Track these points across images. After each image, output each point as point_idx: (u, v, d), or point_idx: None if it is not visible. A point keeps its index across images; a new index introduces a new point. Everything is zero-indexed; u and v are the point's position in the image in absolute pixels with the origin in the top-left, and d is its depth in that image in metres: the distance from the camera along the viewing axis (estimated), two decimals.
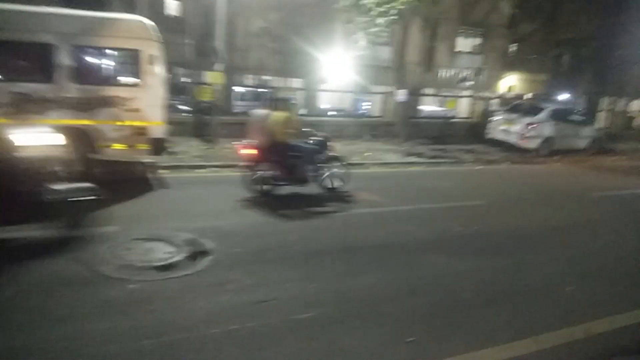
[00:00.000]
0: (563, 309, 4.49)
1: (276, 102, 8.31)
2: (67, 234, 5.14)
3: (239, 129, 13.29)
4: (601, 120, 20.51)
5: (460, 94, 18.59)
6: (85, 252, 4.85)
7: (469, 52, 21.73)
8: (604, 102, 20.86)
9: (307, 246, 5.64)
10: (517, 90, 21.46)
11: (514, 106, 15.86)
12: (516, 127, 14.37)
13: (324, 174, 8.17)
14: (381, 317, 4.09)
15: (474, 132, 16.88)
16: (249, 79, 17.50)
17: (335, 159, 8.54)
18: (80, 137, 7.34)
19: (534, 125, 14.05)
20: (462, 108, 19.38)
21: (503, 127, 14.94)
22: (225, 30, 12.89)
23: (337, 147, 12.75)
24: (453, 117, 18.74)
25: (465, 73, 17.66)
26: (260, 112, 8.10)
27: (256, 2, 16.27)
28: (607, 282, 5.26)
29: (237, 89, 17.62)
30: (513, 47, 22.49)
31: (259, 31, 16.87)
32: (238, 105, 18.89)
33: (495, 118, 15.73)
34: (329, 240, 5.96)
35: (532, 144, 14.11)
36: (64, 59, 7.05)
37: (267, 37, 16.93)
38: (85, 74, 7.42)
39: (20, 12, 6.94)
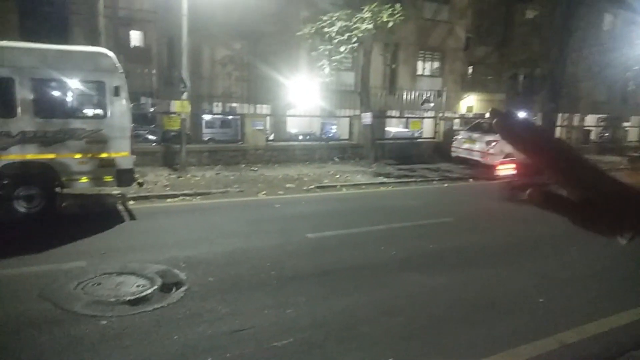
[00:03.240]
0: (537, 320, 4.61)
1: None
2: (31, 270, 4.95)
3: (208, 157, 13.31)
4: (560, 135, 21.48)
5: (423, 115, 19.14)
6: (52, 290, 4.68)
7: (430, 75, 22.54)
8: (560, 119, 21.91)
9: (281, 271, 5.61)
10: (476, 110, 22.30)
11: (475, 125, 16.44)
12: (478, 145, 14.88)
13: None
14: (359, 340, 4.10)
15: (438, 151, 17.36)
16: (217, 107, 17.53)
17: None
18: (44, 172, 7.15)
19: (495, 143, 14.59)
20: (426, 128, 19.93)
21: (466, 146, 15.44)
22: (190, 59, 12.95)
23: (305, 171, 12.88)
24: (418, 138, 19.23)
25: (427, 95, 18.25)
26: None
27: (220, 31, 16.45)
28: (577, 291, 5.44)
29: (205, 117, 17.61)
30: (470, 69, 23.47)
31: (225, 59, 17.02)
32: (206, 133, 18.86)
33: (458, 137, 16.26)
34: (302, 264, 5.96)
35: (494, 161, 14.60)
36: (24, 92, 6.91)
37: (233, 65, 17.09)
38: (47, 107, 7.29)
39: None
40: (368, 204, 10.12)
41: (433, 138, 18.67)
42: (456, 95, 21.81)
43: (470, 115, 21.15)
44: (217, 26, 16.01)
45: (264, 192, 10.22)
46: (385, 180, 12.59)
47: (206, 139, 18.13)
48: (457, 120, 19.67)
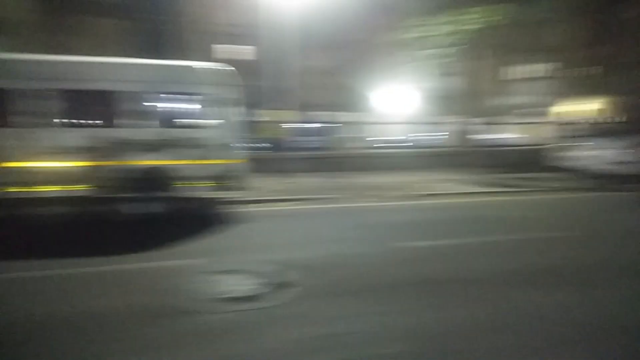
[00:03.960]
0: None
1: None
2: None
3: (311, 164, 13.77)
4: None
5: (534, 121, 17.90)
6: (176, 284, 5.19)
7: (541, 77, 21.05)
8: None
9: (385, 279, 5.64)
10: (598, 114, 20.29)
11: (598, 131, 14.96)
12: (604, 153, 13.46)
13: None
14: (465, 355, 3.97)
15: (552, 159, 16.10)
16: (320, 115, 18.08)
17: None
18: (168, 176, 7.95)
19: (628, 151, 13.01)
20: (538, 134, 18.61)
21: (585, 154, 14.10)
22: (296, 70, 13.53)
23: (407, 178, 12.71)
24: (529, 145, 18.02)
25: (537, 99, 17.03)
26: None
27: (323, 44, 16.98)
28: None
29: (308, 125, 18.24)
30: (592, 70, 21.43)
31: (329, 69, 17.51)
32: (309, 141, 19.53)
33: (575, 144, 14.92)
34: (406, 272, 5.92)
35: (624, 170, 13.11)
36: (152, 105, 7.74)
37: (336, 74, 17.51)
38: (172, 118, 8.12)
39: (113, 65, 7.78)
40: (472, 214, 9.72)
41: (546, 145, 17.38)
42: (571, 99, 20.09)
43: (592, 119, 19.29)
44: (321, 38, 16.57)
45: (365, 199, 10.31)
46: (492, 189, 12.00)
47: (309, 146, 18.80)
48: (573, 126, 18.10)
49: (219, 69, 8.29)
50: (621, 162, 13.01)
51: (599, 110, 20.44)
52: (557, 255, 6.74)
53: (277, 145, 13.72)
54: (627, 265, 6.43)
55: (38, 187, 7.40)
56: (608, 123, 17.87)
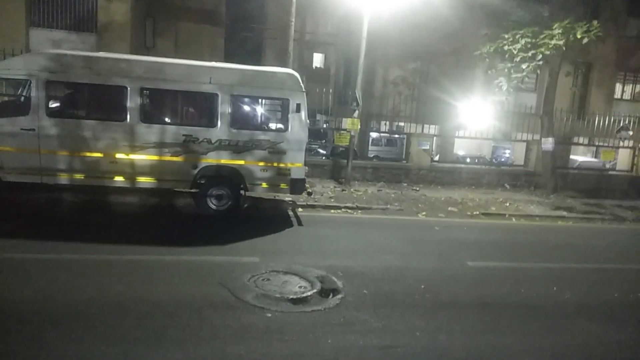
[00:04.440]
0: None
1: None
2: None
3: (371, 173, 13.67)
4: None
5: (618, 145, 16.61)
6: (230, 279, 5.33)
7: (630, 99, 19.52)
8: None
9: (437, 296, 5.45)
10: None
11: None
12: None
13: None
14: None
15: (636, 187, 14.85)
16: (385, 125, 17.93)
17: None
18: (233, 175, 8.21)
19: None
20: (621, 160, 17.27)
21: None
22: (364, 78, 13.52)
23: (471, 195, 12.25)
24: (610, 170, 16.76)
25: (625, 122, 15.79)
26: None
27: (395, 51, 16.84)
28: None
29: (372, 134, 18.17)
30: None
31: (397, 79, 17.35)
32: (372, 150, 19.42)
33: None
34: (460, 292, 5.68)
35: None
36: (224, 106, 8.05)
37: (404, 85, 17.30)
38: (240, 120, 8.38)
39: (190, 66, 8.17)
40: (541, 239, 9.17)
41: (630, 171, 16.07)
42: None
43: None
44: (393, 47, 16.44)
45: (424, 213, 10.05)
46: (564, 214, 11.25)
47: (371, 155, 18.67)
48: None
49: (286, 74, 8.46)
50: None
51: None
52: (628, 288, 6.18)
53: (343, 151, 13.75)
54: None
55: (113, 177, 7.92)
56: None
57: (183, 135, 7.99)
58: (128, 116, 7.81)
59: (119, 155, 7.86)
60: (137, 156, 7.90)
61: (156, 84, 7.95)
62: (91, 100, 8.41)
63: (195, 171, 8.10)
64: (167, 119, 8.37)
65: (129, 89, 7.77)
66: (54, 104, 7.98)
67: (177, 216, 8.56)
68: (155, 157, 7.97)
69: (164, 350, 3.78)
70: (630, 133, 15.48)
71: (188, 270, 5.64)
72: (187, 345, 3.90)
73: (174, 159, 8.01)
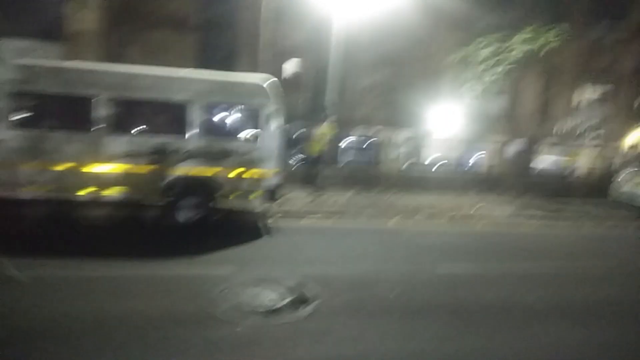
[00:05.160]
0: None
1: None
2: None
3: (344, 180, 13.74)
4: None
5: (582, 148, 17.21)
6: (200, 292, 5.26)
7: (594, 103, 20.22)
8: None
9: (409, 302, 5.50)
10: None
11: None
12: None
13: None
14: None
15: (598, 189, 15.36)
16: (356, 131, 18.06)
17: None
18: (205, 186, 8.12)
19: None
20: (585, 162, 17.85)
21: (630, 187, 13.38)
22: (337, 85, 13.60)
23: (442, 200, 12.46)
24: (574, 172, 17.31)
25: (588, 124, 16.38)
26: None
27: (366, 59, 17.02)
28: None
29: (344, 140, 18.24)
30: None
31: (369, 85, 17.52)
32: (344, 157, 19.52)
33: (625, 175, 14.18)
34: (431, 297, 5.76)
35: None
36: (193, 115, 7.96)
37: (376, 91, 17.49)
38: (211, 129, 8.29)
39: (159, 76, 8.07)
40: (509, 242, 9.38)
41: (591, 175, 16.64)
42: (624, 127, 19.17)
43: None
44: (363, 53, 16.59)
45: (396, 219, 10.16)
46: (530, 218, 11.55)
47: (345, 162, 18.78)
48: (621, 157, 17.23)
49: (257, 83, 8.44)
50: None
51: None
52: (595, 289, 6.39)
53: (316, 159, 13.77)
54: None
55: (80, 189, 7.73)
56: None
57: (151, 145, 7.87)
58: (95, 127, 7.66)
59: (85, 168, 7.68)
60: (105, 168, 7.74)
61: (124, 94, 7.82)
62: (57, 111, 8.18)
63: (165, 182, 7.98)
64: (135, 129, 8.22)
65: (96, 99, 7.62)
66: (18, 116, 7.76)
67: (146, 229, 8.40)
68: (124, 169, 7.82)
69: None
70: (594, 136, 16.06)
71: (156, 284, 5.54)
72: None
73: (143, 170, 7.88)
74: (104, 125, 7.67)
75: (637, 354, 4.63)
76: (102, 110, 7.65)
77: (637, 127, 19.26)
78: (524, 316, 5.36)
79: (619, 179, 14.00)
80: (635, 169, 13.93)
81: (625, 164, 16.32)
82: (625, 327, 5.26)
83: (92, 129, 7.64)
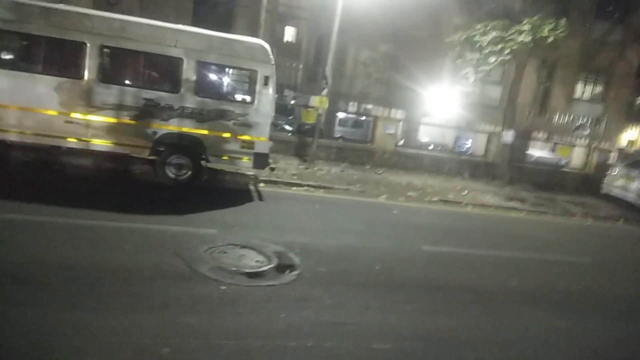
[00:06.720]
0: None
1: None
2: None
3: (336, 153, 13.69)
4: None
5: (575, 142, 17.34)
6: (186, 249, 5.23)
7: (589, 100, 20.28)
8: None
9: (391, 277, 5.55)
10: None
11: (636, 162, 14.35)
12: (637, 185, 12.98)
13: None
14: None
15: (587, 184, 15.56)
16: (352, 106, 17.92)
17: None
18: (195, 145, 7.99)
19: None
20: (576, 157, 18.03)
21: (621, 183, 13.58)
22: (335, 57, 13.39)
23: (431, 182, 12.50)
24: (564, 166, 17.48)
25: (582, 121, 16.45)
26: None
27: (368, 33, 16.73)
28: None
29: (339, 114, 18.12)
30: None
31: (368, 60, 17.29)
32: (338, 130, 19.41)
33: (613, 172, 14.36)
34: (413, 274, 5.82)
35: None
36: (189, 72, 7.78)
37: (375, 67, 17.28)
38: (206, 88, 8.12)
39: (156, 27, 7.80)
40: (494, 228, 9.49)
41: (582, 169, 16.81)
42: (618, 125, 19.31)
43: (633, 149, 18.56)
44: (366, 27, 16.32)
45: (384, 196, 10.18)
46: (518, 205, 11.67)
47: (337, 135, 18.68)
48: (614, 154, 17.43)
49: (256, 44, 8.23)
50: None
51: None
52: (569, 279, 6.51)
53: (305, 129, 13.67)
54: (637, 299, 6.17)
55: (67, 137, 7.55)
56: None
57: (144, 99, 7.69)
58: (86, 74, 7.44)
59: (74, 115, 7.49)
60: (94, 117, 7.56)
61: (118, 43, 7.58)
62: (47, 55, 7.90)
63: (155, 137, 7.84)
64: (127, 81, 8.00)
65: (88, 45, 7.37)
66: (5, 55, 7.50)
67: (133, 183, 8.30)
68: (114, 120, 7.65)
69: (111, 317, 3.68)
70: (586, 132, 16.17)
71: (142, 238, 5.50)
72: (136, 313, 3.81)
73: (133, 123, 7.71)
74: (97, 73, 7.45)
75: (600, 339, 4.75)
76: (95, 58, 7.42)
77: (633, 125, 19.42)
78: (501, 299, 5.45)
79: (612, 174, 14.17)
80: (628, 165, 14.11)
81: (618, 160, 16.52)
82: (593, 317, 5.38)
83: (82, 77, 7.42)
